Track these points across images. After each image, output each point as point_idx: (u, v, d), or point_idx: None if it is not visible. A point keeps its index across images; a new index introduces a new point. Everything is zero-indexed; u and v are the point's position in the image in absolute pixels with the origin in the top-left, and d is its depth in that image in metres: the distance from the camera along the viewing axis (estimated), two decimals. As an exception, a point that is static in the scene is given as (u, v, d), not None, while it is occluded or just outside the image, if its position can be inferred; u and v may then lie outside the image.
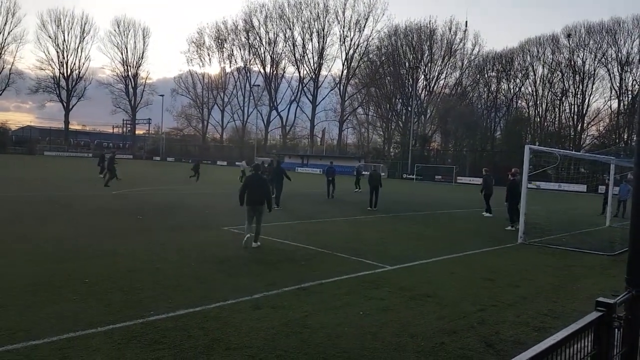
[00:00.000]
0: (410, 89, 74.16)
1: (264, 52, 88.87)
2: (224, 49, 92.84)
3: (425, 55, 75.56)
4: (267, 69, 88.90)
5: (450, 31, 74.26)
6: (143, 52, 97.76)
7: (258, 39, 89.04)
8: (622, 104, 58.38)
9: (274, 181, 16.86)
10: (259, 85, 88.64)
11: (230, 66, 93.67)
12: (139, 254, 8.45)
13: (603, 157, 16.69)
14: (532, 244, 11.67)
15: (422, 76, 75.81)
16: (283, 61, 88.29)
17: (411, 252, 9.86)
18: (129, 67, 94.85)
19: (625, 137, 56.32)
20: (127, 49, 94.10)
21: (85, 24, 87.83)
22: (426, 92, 76.54)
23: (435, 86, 76.39)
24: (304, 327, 5.20)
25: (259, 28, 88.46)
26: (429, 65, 75.53)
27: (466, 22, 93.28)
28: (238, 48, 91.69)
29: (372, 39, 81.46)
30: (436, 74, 75.67)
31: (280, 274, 7.46)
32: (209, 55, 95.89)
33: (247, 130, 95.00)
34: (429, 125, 74.73)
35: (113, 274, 6.97)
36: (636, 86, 57.03)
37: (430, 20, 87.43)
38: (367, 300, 6.29)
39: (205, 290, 6.42)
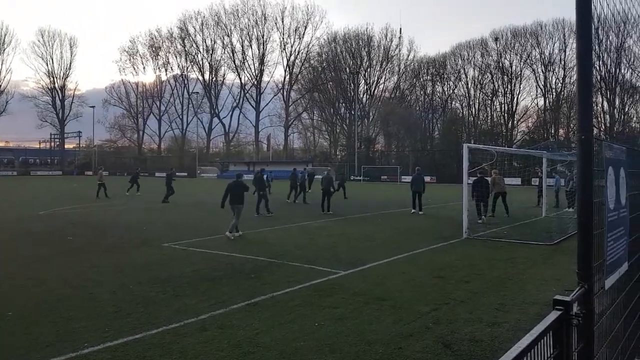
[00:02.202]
0: (352, 94, 75.53)
1: (202, 59, 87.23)
2: (159, 57, 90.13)
3: (365, 60, 77.46)
4: (206, 76, 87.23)
5: (386, 38, 76.74)
6: (70, 63, 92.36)
7: (195, 46, 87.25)
8: (547, 101, 62.38)
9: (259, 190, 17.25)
10: (197, 93, 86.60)
11: (166, 74, 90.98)
12: (70, 279, 7.80)
13: (535, 151, 17.55)
14: (476, 238, 11.98)
15: (363, 81, 77.63)
16: (222, 68, 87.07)
17: (363, 255, 9.79)
18: (55, 79, 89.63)
19: (552, 131, 60.15)
20: (52, 59, 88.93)
21: (5, 35, 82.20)
22: (367, 96, 78.35)
23: (376, 90, 78.45)
24: (256, 346, 4.92)
25: (195, 35, 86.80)
26: (369, 70, 77.44)
27: (400, 29, 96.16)
28: (174, 55, 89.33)
29: (313, 45, 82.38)
30: (376, 78, 77.79)
31: (228, 290, 7.11)
32: (142, 63, 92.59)
33: (187, 139, 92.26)
34: (372, 128, 76.36)
35: (41, 304, 6.36)
36: (559, 84, 61.13)
37: (367, 28, 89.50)
38: (321, 310, 6.10)
39: (146, 314, 5.97)
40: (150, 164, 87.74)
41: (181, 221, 16.16)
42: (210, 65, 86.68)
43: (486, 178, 16.00)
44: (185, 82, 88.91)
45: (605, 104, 56.49)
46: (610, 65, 54.98)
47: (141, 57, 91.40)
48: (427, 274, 8.19)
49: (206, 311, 6.05)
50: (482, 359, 4.59)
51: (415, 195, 18.17)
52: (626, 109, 56.63)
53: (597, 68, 56.91)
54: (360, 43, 77.32)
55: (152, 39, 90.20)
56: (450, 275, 8.02)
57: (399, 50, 77.30)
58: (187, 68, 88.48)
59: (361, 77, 76.65)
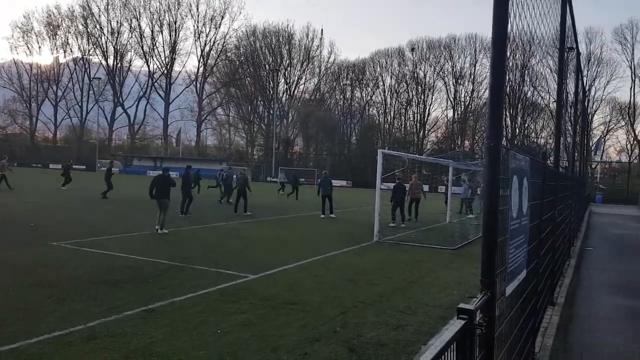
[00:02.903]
0: (272, 92, 74.79)
1: (106, 42, 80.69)
2: (58, 37, 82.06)
3: (285, 59, 76.89)
4: (110, 61, 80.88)
5: (307, 37, 76.75)
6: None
7: (99, 27, 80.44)
8: (456, 113, 66.47)
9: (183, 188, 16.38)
10: (99, 79, 79.87)
11: (65, 56, 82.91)
12: None
13: (444, 160, 18.54)
14: (386, 241, 12.27)
15: (283, 79, 77.11)
16: (129, 53, 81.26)
17: (274, 258, 9.55)
18: None
19: (459, 142, 64.31)
20: None
21: None
22: (287, 96, 77.97)
23: (296, 90, 78.32)
24: (150, 356, 4.50)
25: (99, 15, 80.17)
26: (289, 69, 77.08)
27: (322, 29, 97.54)
28: (74, 36, 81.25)
29: (230, 37, 79.71)
30: (296, 78, 77.58)
31: (124, 295, 6.50)
32: (38, 42, 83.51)
33: (87, 128, 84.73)
34: (291, 129, 76.23)
35: None
36: (467, 97, 65.56)
37: (288, 25, 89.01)
38: (226, 316, 5.76)
39: (27, 322, 5.27)
40: (45, 154, 79.83)
41: (75, 218, 14.81)
42: (115, 50, 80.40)
43: (404, 184, 16.58)
44: (87, 66, 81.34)
45: (508, 119, 61.47)
46: (515, 82, 60.13)
47: (37, 36, 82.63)
48: (337, 277, 8.16)
49: (96, 318, 5.47)
50: (386, 364, 4.57)
51: (325, 199, 18.04)
52: (526, 124, 62.09)
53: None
54: (281, 40, 76.50)
55: (50, 16, 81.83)
56: (360, 279, 8.06)
57: (320, 52, 77.79)
58: (89, 51, 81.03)
59: (281, 76, 76.09)
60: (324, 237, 13.09)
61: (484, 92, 64.43)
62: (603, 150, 53.38)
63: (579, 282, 8.57)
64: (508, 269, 2.82)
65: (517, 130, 61.48)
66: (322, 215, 17.92)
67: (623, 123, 56.68)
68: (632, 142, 56.43)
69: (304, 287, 7.35)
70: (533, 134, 60.82)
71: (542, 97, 59.97)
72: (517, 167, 2.98)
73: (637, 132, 55.93)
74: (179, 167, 45.83)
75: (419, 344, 5.03)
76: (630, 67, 55.50)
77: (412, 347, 4.95)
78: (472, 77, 64.81)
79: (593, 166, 48.49)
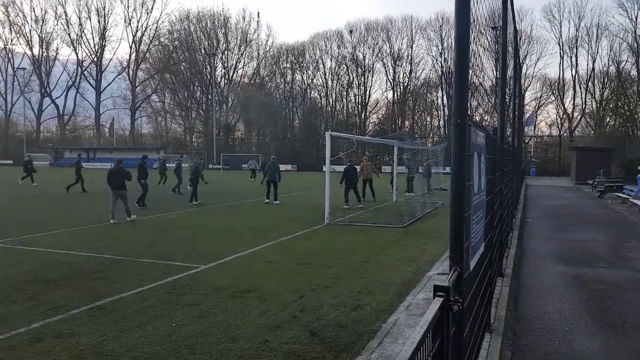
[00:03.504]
0: (209, 77, 72.74)
1: (30, 31, 75.78)
2: (-23, 27, 75.96)
3: (221, 42, 74.98)
4: (35, 50, 75.94)
5: (244, 20, 75.31)
6: None
7: (21, 15, 75.49)
8: (395, 94, 67.79)
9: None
10: (25, 69, 74.88)
11: (-15, 47, 77.06)
12: None
13: (390, 140, 18.92)
14: (337, 223, 12.36)
15: (220, 64, 75.20)
16: (55, 41, 76.88)
17: (225, 247, 9.34)
18: None
19: (399, 122, 65.80)
20: None
21: None
22: (226, 81, 76.21)
23: (234, 75, 76.65)
24: (102, 355, 4.26)
25: (22, 3, 75.10)
26: (226, 53, 75.24)
27: (258, 12, 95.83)
28: (-5, 25, 76.02)
29: (162, 22, 77.15)
30: (234, 62, 75.86)
31: (67, 293, 6.10)
32: (-47, 31, 77.03)
33: (13, 121, 79.62)
34: (231, 114, 74.68)
35: None
36: (406, 79, 66.91)
37: (223, 8, 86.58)
38: (179, 309, 5.56)
39: (-41, 328, 4.82)
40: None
41: (7, 215, 13.77)
42: (40, 38, 75.68)
43: (355, 166, 16.75)
44: (10, 56, 76.31)
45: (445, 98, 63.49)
46: (451, 62, 62.10)
47: (-47, 25, 76.07)
48: (291, 261, 8.11)
49: (39, 319, 5.11)
50: (348, 344, 4.59)
51: (270, 184, 17.78)
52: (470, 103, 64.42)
53: (440, 64, 63.67)
54: (216, 23, 74.56)
55: None
56: (314, 262, 8.06)
57: (258, 35, 76.79)
58: (11, 40, 75.99)
59: (218, 60, 74.24)
60: (273, 223, 12.97)
61: (422, 72, 66.20)
62: (535, 125, 56.59)
63: (523, 252, 9.08)
64: (471, 244, 2.87)
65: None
66: (267, 201, 17.64)
67: (553, 98, 60.22)
68: (562, 116, 60.22)
69: (259, 274, 7.24)
70: (477, 111, 63.40)
71: (476, 76, 62.64)
72: (476, 143, 3.02)
73: (566, 106, 59.76)
74: (113, 157, 43.71)
75: (379, 322, 5.10)
76: (559, 44, 58.89)
77: (373, 326, 5.01)
78: (410, 58, 66.17)
79: (526, 140, 51.39)
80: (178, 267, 7.56)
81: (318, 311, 5.48)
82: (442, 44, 63.28)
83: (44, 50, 75.99)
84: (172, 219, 13.53)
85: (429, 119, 67.47)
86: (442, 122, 65.35)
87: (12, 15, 74.97)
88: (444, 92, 63.92)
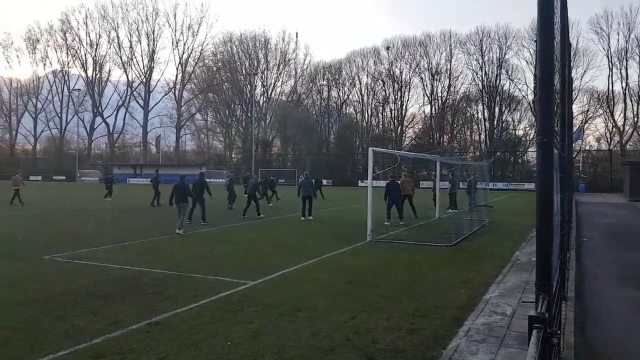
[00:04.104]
0: (249, 95, 74.46)
1: (85, 54, 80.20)
2: (37, 51, 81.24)
3: (262, 63, 76.96)
4: (89, 72, 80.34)
5: (283, 41, 77.07)
6: None
7: (77, 40, 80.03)
8: (433, 108, 67.09)
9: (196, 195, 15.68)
10: (79, 90, 79.27)
11: (44, 69, 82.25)
12: None
13: (432, 156, 18.60)
14: (380, 240, 12.17)
15: (260, 83, 77.02)
16: (108, 64, 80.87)
17: (270, 263, 9.36)
18: None
19: (437, 137, 64.90)
20: None
21: None
22: (264, 99, 77.85)
23: (273, 93, 78.31)
24: (163, 374, 4.28)
25: (78, 29, 79.70)
26: (266, 72, 77.08)
27: (297, 33, 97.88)
28: (54, 49, 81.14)
29: (207, 44, 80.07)
30: (273, 81, 77.63)
31: (124, 308, 6.24)
32: (18, 57, 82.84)
33: (67, 139, 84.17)
34: (269, 131, 75.99)
35: None
36: (444, 93, 66.17)
37: (264, 30, 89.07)
38: (233, 327, 5.57)
39: (29, 340, 5.01)
40: (25, 166, 78.34)
41: (64, 230, 14.37)
42: (94, 61, 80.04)
43: (397, 181, 16.53)
44: (66, 78, 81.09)
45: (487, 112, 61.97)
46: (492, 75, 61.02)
47: (16, 50, 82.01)
48: (338, 279, 8.01)
49: (100, 334, 5.22)
50: (407, 369, 4.45)
51: (305, 200, 17.65)
52: (504, 117, 62.76)
53: (480, 78, 62.62)
54: (257, 45, 76.81)
55: (30, 31, 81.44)
56: (361, 280, 7.94)
57: (296, 54, 78.28)
58: (68, 63, 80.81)
59: (258, 79, 76.09)
60: (316, 239, 12.93)
61: (461, 86, 65.32)
62: (582, 140, 54.51)
63: (583, 274, 8.62)
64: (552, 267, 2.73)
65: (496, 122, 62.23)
66: (302, 218, 17.48)
67: (601, 111, 57.99)
68: (611, 130, 57.85)
69: (307, 292, 7.18)
70: (511, 126, 61.70)
71: (519, 89, 60.92)
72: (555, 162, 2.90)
73: (616, 119, 57.37)
74: (160, 173, 45.06)
75: (438, 349, 4.92)
76: (607, 56, 56.86)
77: (433, 353, 4.83)
78: (449, 72, 65.56)
79: (574, 155, 49.49)
80: (228, 283, 7.61)
81: (372, 334, 5.36)
82: (482, 57, 62.39)
83: (97, 72, 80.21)
84: (219, 234, 13.74)
85: (468, 133, 66.29)
86: (482, 136, 64.02)
87: (69, 40, 79.58)
88: (484, 106, 62.76)
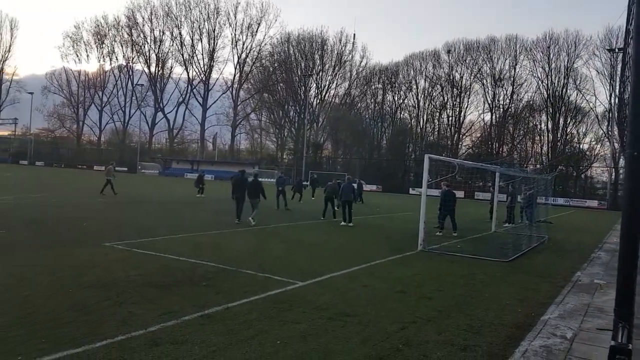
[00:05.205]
0: (303, 97, 75.14)
1: (149, 51, 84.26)
2: (104, 45, 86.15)
3: (317, 64, 77.34)
4: (152, 68, 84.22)
5: (340, 42, 77.11)
6: (10, 46, 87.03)
7: (142, 36, 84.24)
8: (494, 116, 64.75)
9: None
10: (142, 85, 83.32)
11: (110, 64, 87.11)
12: (1, 279, 6.86)
13: (490, 166, 17.98)
14: (431, 251, 11.89)
15: (314, 84, 77.46)
16: (170, 61, 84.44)
17: (319, 265, 9.37)
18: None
19: (496, 146, 62.68)
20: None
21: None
22: (318, 101, 78.27)
23: (327, 95, 78.57)
24: (214, 367, 4.37)
25: (143, 25, 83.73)
26: (321, 74, 77.44)
27: (354, 34, 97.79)
28: (120, 45, 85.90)
29: (265, 44, 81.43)
30: (327, 83, 77.92)
31: (179, 298, 6.44)
32: (86, 51, 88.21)
33: (129, 132, 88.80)
34: (320, 133, 76.35)
35: (-36, 309, 5.46)
36: (507, 100, 63.79)
37: (321, 30, 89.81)
38: (282, 326, 5.60)
39: (89, 323, 5.24)
40: (90, 157, 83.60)
41: (124, 219, 15.14)
42: (157, 57, 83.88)
43: (453, 191, 16.01)
44: (130, 73, 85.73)
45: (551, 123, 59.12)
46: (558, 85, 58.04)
47: (85, 45, 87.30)
48: (388, 288, 7.89)
49: (156, 322, 5.40)
50: (459, 386, 4.29)
51: (346, 205, 17.10)
52: (568, 129, 59.67)
53: (546, 86, 59.86)
54: (314, 46, 77.32)
55: (98, 26, 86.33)
56: (411, 291, 7.77)
57: (352, 56, 78.07)
58: (132, 59, 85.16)
59: (312, 81, 76.56)
60: (364, 244, 12.83)
61: (524, 95, 62.77)
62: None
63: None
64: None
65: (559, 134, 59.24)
66: (342, 223, 17.05)
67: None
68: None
69: (355, 298, 7.12)
70: (575, 138, 58.56)
71: (587, 100, 57.63)
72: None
73: None
74: (215, 169, 46.50)
75: (493, 366, 4.73)
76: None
77: (486, 370, 4.65)
78: (512, 79, 63.10)
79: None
80: (277, 282, 7.69)
81: (423, 347, 5.22)
82: (549, 64, 59.68)
83: (159, 68, 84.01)
84: (270, 232, 13.98)
85: (529, 144, 63.55)
86: (544, 148, 61.19)
87: (134, 36, 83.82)
88: (548, 117, 60.00)
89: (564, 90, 59.05)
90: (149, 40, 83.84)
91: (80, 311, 5.66)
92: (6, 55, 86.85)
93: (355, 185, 21.44)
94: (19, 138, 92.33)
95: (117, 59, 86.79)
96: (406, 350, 5.08)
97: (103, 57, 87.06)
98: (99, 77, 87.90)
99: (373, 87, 74.80)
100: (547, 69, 59.90)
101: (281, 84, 79.19)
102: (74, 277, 7.25)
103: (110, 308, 5.87)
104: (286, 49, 78.97)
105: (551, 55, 59.49)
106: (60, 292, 6.37)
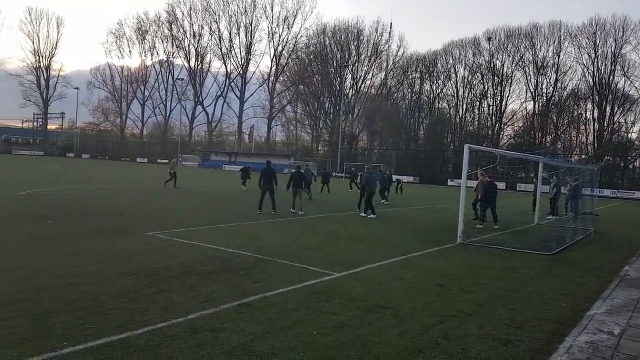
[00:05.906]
0: (339, 88, 74.81)
1: (189, 45, 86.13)
2: (146, 41, 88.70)
3: (353, 55, 76.73)
4: (192, 63, 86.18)
5: (376, 32, 76.13)
6: (57, 43, 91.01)
7: (182, 31, 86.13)
8: (537, 105, 62.44)
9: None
10: (182, 79, 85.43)
11: (152, 59, 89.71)
12: (49, 267, 7.18)
13: (534, 157, 17.36)
14: (471, 244, 11.62)
15: (350, 76, 76.92)
16: (209, 55, 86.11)
17: (355, 256, 9.34)
18: (41, 58, 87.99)
19: (539, 136, 60.50)
20: (39, 38, 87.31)
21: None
22: (354, 92, 77.77)
23: (362, 86, 77.97)
24: (252, 356, 4.42)
25: (183, 20, 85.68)
26: (356, 65, 76.80)
27: (391, 24, 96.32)
28: (160, 40, 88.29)
29: (301, 36, 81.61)
30: (363, 74, 77.19)
31: (218, 287, 6.56)
32: (129, 47, 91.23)
33: (170, 126, 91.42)
34: (356, 125, 75.88)
35: (17, 295, 5.75)
36: (550, 89, 61.36)
37: (358, 21, 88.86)
38: (319, 316, 5.61)
39: (131, 310, 5.41)
40: (133, 149, 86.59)
41: (165, 210, 15.61)
42: (197, 52, 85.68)
43: (495, 183, 15.38)
44: (171, 68, 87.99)
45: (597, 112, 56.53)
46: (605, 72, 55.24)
47: (128, 40, 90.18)
48: (426, 281, 7.77)
49: (196, 310, 5.52)
50: (501, 383, 4.17)
51: (371, 197, 16.41)
52: (615, 118, 56.93)
53: (592, 74, 57.11)
54: (350, 37, 76.73)
55: (140, 22, 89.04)
56: (451, 284, 7.62)
57: (389, 46, 76.99)
58: (173, 54, 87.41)
59: (348, 72, 76.02)
60: (401, 236, 12.68)
61: (569, 83, 60.23)
62: None
63: None
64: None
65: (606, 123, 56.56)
66: (363, 215, 16.44)
67: None
68: None
69: (392, 290, 7.04)
70: (623, 128, 55.75)
71: (636, 88, 54.64)
72: None
73: None
74: (251, 162, 47.17)
75: (536, 363, 4.57)
76: None
77: (529, 367, 4.50)
78: (556, 67, 60.52)
79: None
80: (314, 272, 7.71)
81: (463, 341, 5.10)
82: (595, 51, 56.91)
83: (199, 63, 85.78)
84: (306, 223, 14.05)
85: (574, 133, 61.00)
86: (590, 138, 58.62)
87: (174, 31, 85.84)
88: (594, 105, 57.35)
89: (611, 77, 56.23)
90: (188, 35, 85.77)
91: (124, 298, 5.85)
92: (53, 52, 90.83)
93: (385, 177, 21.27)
94: (66, 132, 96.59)
95: (158, 54, 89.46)
96: (445, 344, 4.99)
97: (145, 52, 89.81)
98: (141, 72, 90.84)
99: (410, 77, 73.48)
100: (593, 55, 57.10)
101: (317, 76, 79.18)
102: (117, 265, 7.50)
103: (152, 296, 6.03)
104: (322, 40, 78.90)
105: (598, 42, 56.68)
106: (104, 280, 6.60)
